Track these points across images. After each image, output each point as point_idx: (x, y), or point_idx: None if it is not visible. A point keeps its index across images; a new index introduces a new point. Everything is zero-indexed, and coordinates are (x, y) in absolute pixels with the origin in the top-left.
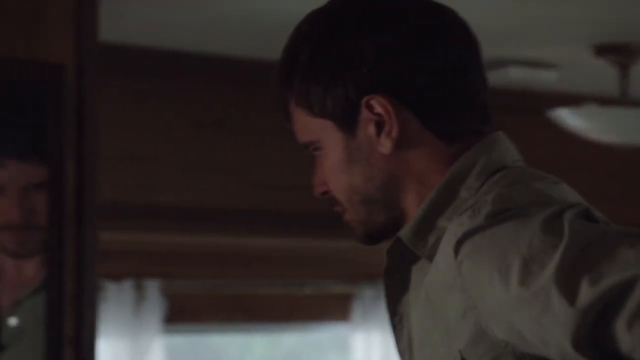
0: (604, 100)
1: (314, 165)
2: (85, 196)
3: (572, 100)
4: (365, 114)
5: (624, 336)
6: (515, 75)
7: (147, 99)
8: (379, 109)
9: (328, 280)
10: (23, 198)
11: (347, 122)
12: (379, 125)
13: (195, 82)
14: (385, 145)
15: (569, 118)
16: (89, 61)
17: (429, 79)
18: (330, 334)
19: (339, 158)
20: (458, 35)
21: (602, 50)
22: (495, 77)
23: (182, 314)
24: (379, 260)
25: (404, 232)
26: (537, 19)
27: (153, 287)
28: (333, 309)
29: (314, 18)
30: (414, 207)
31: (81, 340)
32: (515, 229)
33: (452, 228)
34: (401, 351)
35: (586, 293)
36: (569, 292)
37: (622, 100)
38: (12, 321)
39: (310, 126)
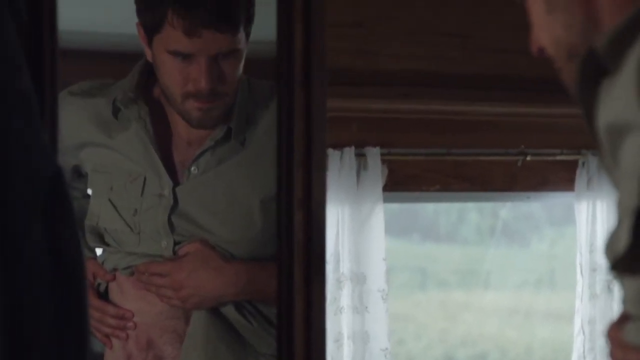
0: None
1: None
2: (313, 61)
3: None
4: None
5: None
6: None
7: None
8: None
9: (551, 149)
10: (212, 65)
11: None
12: None
13: None
14: None
15: None
16: None
17: None
18: (551, 204)
19: (538, 9)
20: None
21: None
22: None
23: (400, 182)
24: None
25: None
26: None
27: (374, 155)
28: (555, 177)
29: None
30: None
31: (311, 203)
32: None
33: None
34: None
35: None
36: None
37: None
38: None
39: None
